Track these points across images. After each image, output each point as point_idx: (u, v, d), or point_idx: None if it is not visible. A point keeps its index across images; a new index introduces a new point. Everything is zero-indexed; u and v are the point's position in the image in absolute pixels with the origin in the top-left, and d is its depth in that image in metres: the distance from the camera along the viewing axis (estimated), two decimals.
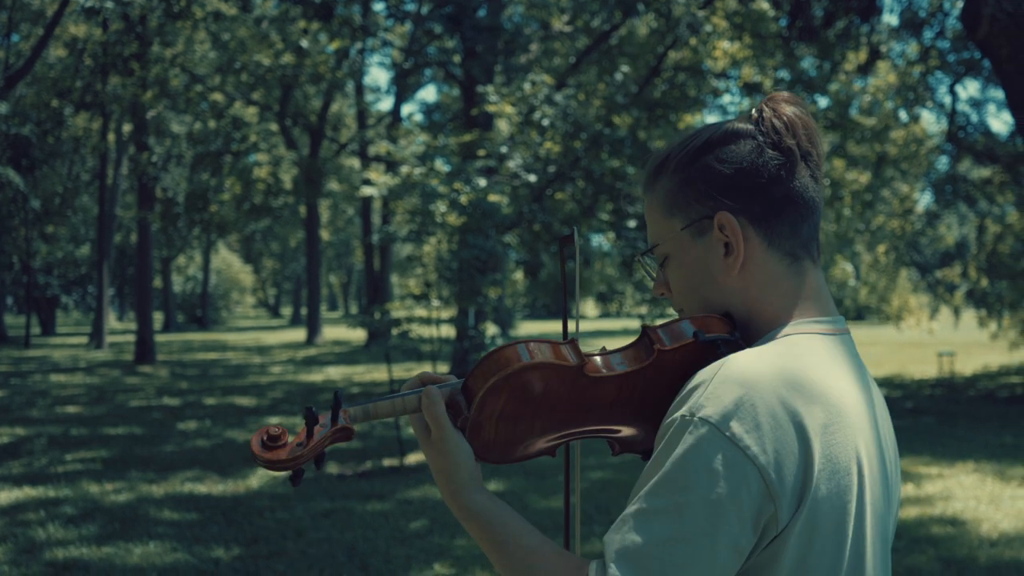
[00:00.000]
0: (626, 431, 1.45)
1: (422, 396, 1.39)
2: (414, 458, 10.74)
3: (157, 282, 46.93)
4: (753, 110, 1.45)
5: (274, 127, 30.85)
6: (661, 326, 1.40)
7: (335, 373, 22.50)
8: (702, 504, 1.18)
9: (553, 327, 50.31)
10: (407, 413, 1.41)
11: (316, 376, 21.89)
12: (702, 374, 1.28)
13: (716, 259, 1.40)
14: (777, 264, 1.40)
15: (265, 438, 1.29)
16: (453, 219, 11.63)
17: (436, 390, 1.39)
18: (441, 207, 11.48)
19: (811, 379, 1.27)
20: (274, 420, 14.15)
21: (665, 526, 1.19)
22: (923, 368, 22.92)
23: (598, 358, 1.38)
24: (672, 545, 1.18)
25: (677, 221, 1.44)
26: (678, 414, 1.25)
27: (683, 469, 1.20)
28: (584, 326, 52.23)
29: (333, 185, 35.93)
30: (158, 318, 49.45)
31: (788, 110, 1.42)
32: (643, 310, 19.49)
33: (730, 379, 1.24)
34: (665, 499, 1.20)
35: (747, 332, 1.41)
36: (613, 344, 1.57)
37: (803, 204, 1.41)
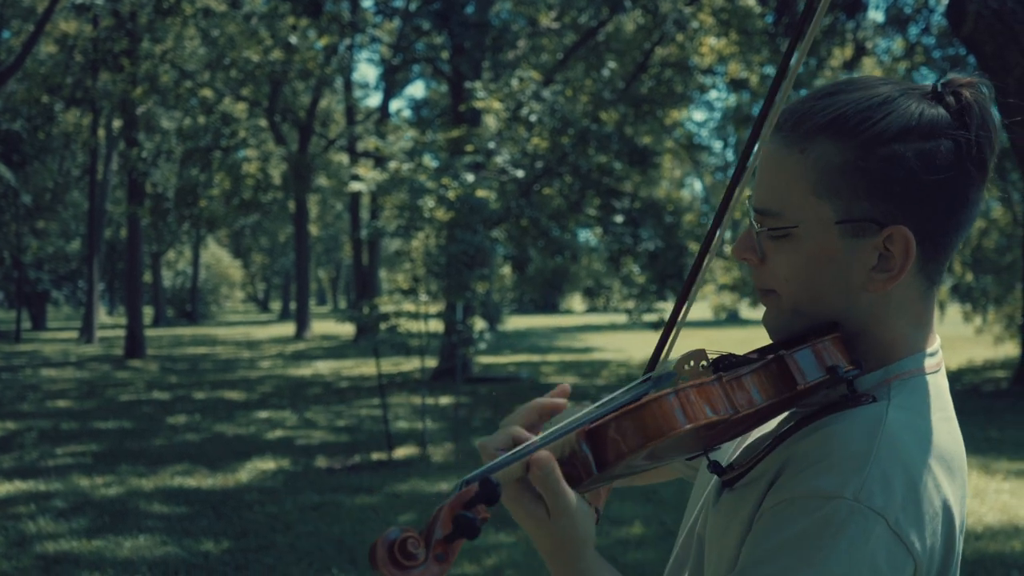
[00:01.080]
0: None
1: (531, 468, 1.11)
2: (402, 452, 10.82)
3: (147, 277, 46.83)
4: (947, 95, 1.17)
5: (263, 123, 30.83)
6: (797, 355, 1.18)
7: (324, 367, 22.55)
8: None
9: (542, 321, 50.32)
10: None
11: (305, 370, 21.94)
12: (855, 440, 1.13)
13: (861, 267, 1.18)
14: (916, 288, 1.20)
15: (399, 555, 0.99)
16: (441, 214, 11.69)
17: (550, 457, 1.11)
18: (429, 202, 11.53)
19: (951, 446, 1.18)
20: (263, 415, 14.19)
21: None
22: None
23: (744, 398, 1.16)
24: None
25: (828, 208, 1.17)
26: (836, 493, 1.08)
27: (847, 565, 1.06)
28: (572, 321, 52.24)
29: (322, 181, 35.94)
30: (148, 313, 49.33)
31: (990, 109, 1.16)
32: (630, 305, 19.47)
33: (897, 457, 1.11)
34: None
35: (853, 348, 1.21)
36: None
37: (970, 227, 1.20)
